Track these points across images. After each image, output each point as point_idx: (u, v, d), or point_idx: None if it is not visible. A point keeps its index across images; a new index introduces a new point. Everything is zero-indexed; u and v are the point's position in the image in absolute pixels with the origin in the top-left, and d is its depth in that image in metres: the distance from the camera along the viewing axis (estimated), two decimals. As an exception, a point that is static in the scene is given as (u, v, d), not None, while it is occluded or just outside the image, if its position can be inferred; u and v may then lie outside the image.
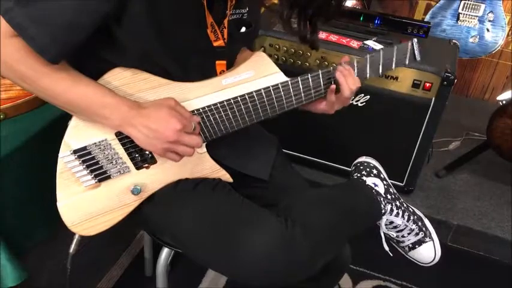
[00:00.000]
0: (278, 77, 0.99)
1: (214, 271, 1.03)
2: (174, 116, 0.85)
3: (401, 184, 1.93)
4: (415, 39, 1.04)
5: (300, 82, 0.99)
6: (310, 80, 1.00)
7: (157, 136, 0.85)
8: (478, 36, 2.35)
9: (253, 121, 0.98)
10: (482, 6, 2.28)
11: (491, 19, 2.31)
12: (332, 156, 1.99)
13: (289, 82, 0.98)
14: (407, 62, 1.05)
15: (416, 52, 1.05)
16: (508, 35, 2.55)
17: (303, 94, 1.01)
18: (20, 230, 1.09)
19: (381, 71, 1.05)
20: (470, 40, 2.36)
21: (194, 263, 1.48)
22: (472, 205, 1.98)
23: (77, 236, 1.09)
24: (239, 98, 0.95)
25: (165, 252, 1.15)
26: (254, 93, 0.96)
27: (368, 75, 1.04)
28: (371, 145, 1.78)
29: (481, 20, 2.31)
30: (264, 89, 0.96)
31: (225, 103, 0.95)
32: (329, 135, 1.93)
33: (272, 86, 0.97)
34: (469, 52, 2.39)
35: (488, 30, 2.33)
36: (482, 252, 1.83)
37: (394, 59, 1.04)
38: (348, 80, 1.00)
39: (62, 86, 0.83)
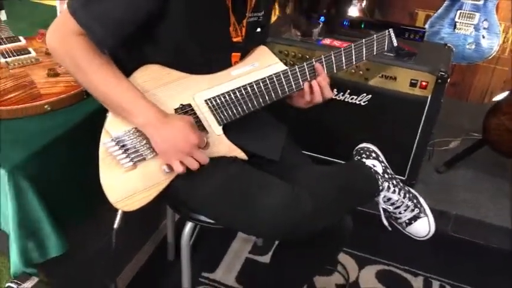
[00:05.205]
0: (279, 66, 1.16)
1: (235, 230, 1.15)
2: (194, 132, 1.00)
3: (403, 178, 2.02)
4: (391, 29, 1.20)
5: (297, 69, 1.14)
6: (305, 67, 1.15)
7: (174, 144, 0.98)
8: (475, 43, 2.46)
9: (261, 105, 1.13)
10: (477, 14, 2.41)
11: (486, 26, 2.42)
12: (337, 153, 2.08)
13: (288, 70, 1.14)
14: (386, 48, 1.22)
15: (393, 39, 1.21)
16: (503, 42, 2.68)
17: (300, 80, 1.15)
18: (63, 210, 1.18)
19: (364, 57, 1.20)
20: (467, 47, 2.47)
21: (211, 249, 1.60)
22: (471, 197, 2.08)
23: (120, 212, 1.22)
24: (247, 86, 1.11)
25: (188, 226, 1.30)
26: (260, 81, 1.12)
27: (355, 62, 1.20)
28: (374, 141, 1.91)
29: (476, 28, 2.43)
30: (268, 77, 1.12)
31: (236, 90, 1.11)
32: (334, 133, 2.05)
33: (274, 74, 1.13)
34: (467, 58, 2.50)
35: (484, 37, 2.44)
36: (480, 241, 1.93)
37: (375, 47, 1.20)
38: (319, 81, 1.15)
39: (105, 82, 0.98)
